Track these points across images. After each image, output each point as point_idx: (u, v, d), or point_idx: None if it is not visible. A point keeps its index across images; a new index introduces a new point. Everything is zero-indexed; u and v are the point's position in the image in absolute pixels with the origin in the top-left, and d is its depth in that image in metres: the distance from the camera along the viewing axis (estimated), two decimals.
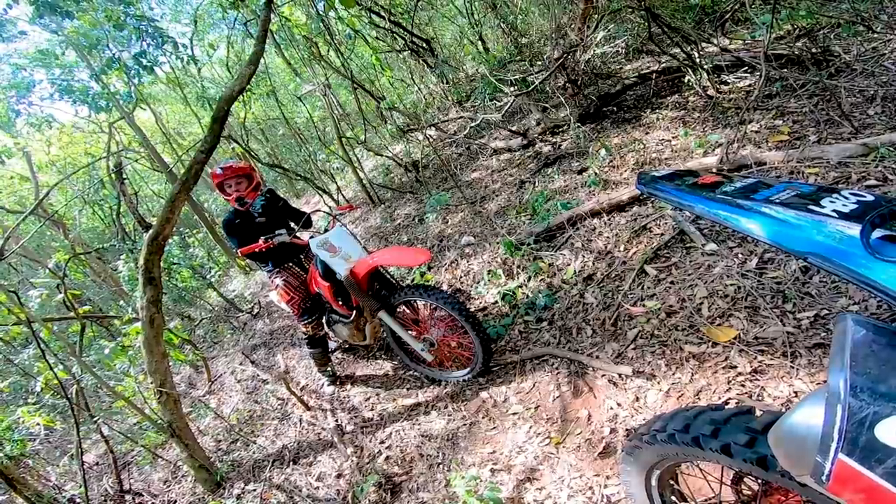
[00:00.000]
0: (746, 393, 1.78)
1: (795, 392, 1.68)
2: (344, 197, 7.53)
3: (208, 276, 6.80)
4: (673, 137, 3.94)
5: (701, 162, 3.23)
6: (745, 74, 4.36)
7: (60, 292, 3.33)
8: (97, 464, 4.26)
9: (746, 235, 0.92)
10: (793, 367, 1.77)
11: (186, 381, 5.26)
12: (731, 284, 2.24)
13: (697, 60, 4.24)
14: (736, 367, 1.90)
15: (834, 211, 0.74)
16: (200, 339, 6.28)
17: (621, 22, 5.39)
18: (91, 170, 6.67)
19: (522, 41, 8.13)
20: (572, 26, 4.55)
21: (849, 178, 2.50)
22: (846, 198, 0.78)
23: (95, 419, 3.33)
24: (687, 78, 4.32)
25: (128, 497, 3.43)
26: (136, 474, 3.84)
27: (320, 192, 7.42)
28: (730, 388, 1.83)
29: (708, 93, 4.26)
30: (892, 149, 2.56)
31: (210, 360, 5.31)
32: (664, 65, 5.06)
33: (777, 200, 0.82)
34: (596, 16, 4.60)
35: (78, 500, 3.22)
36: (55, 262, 3.73)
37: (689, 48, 4.37)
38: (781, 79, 3.80)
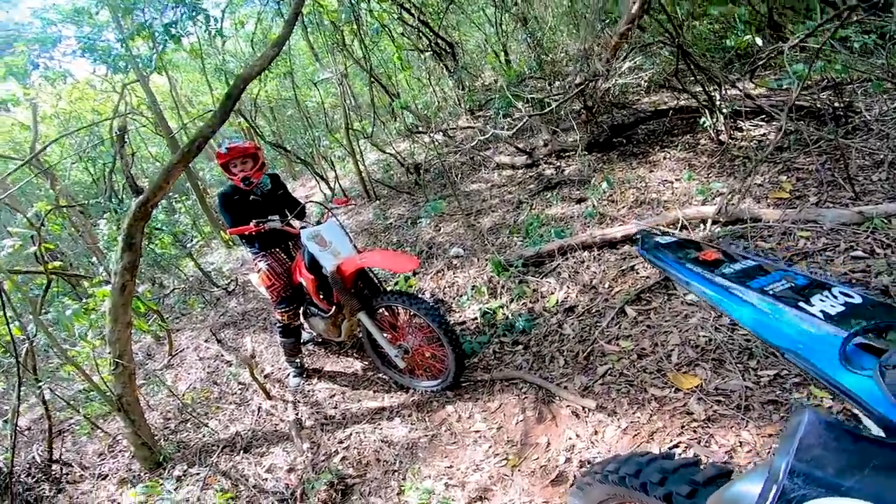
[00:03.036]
0: (696, 439, 1.91)
1: (741, 442, 1.82)
2: (341, 186, 7.63)
3: (189, 245, 6.83)
4: (676, 179, 4.08)
5: (699, 210, 3.35)
6: (762, 123, 4.44)
7: (34, 243, 3.31)
8: (29, 429, 4.16)
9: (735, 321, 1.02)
10: (744, 419, 1.90)
11: (145, 350, 5.24)
12: (704, 336, 2.36)
13: (717, 103, 4.31)
14: (692, 413, 2.03)
15: (821, 311, 0.84)
16: (168, 309, 6.26)
17: (650, 55, 5.51)
18: (93, 126, 6.74)
19: (545, 58, 8.29)
20: (601, 55, 4.62)
21: (837, 247, 2.63)
22: (835, 297, 0.87)
23: (40, 384, 3.29)
24: (703, 119, 4.39)
25: (55, 467, 3.39)
26: (69, 444, 3.75)
27: (318, 177, 7.54)
28: (682, 433, 1.96)
29: (720, 137, 4.35)
30: (885, 221, 2.65)
31: (175, 332, 5.29)
32: (682, 102, 5.18)
33: (771, 292, 0.91)
34: (626, 46, 4.69)
35: (1, 466, 3.14)
36: (35, 210, 3.74)
37: (711, 89, 4.43)
38: (796, 132, 3.81)
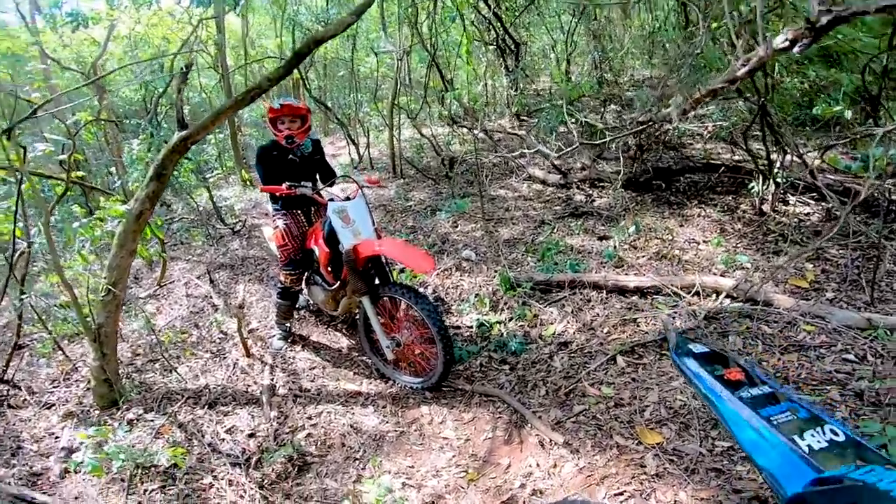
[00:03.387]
0: (640, 490, 2.07)
1: (676, 501, 1.99)
2: (370, 154, 7.81)
3: (209, 177, 7.06)
4: (704, 241, 4.14)
5: (717, 280, 3.41)
6: (810, 201, 4.40)
7: (64, 151, 3.30)
8: None
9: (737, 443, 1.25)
10: (687, 481, 2.06)
11: (134, 273, 5.17)
12: (680, 400, 2.50)
13: (776, 170, 4.21)
14: (645, 466, 2.18)
15: (808, 446, 1.06)
16: (170, 235, 6.29)
17: (725, 107, 5.46)
18: (161, 57, 7.01)
19: (608, 77, 8.35)
20: (681, 105, 4.49)
21: (833, 346, 2.70)
22: (824, 433, 1.09)
23: (24, 296, 3.18)
24: (752, 184, 4.35)
25: (2, 387, 3.29)
26: (24, 363, 3.62)
27: (350, 140, 7.77)
28: (630, 483, 2.11)
29: (763, 207, 4.32)
30: (889, 332, 2.70)
31: (169, 260, 5.24)
32: (737, 160, 5.14)
33: (775, 422, 1.13)
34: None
35: None
36: (75, 119, 3.90)
37: (776, 152, 4.26)
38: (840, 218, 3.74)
